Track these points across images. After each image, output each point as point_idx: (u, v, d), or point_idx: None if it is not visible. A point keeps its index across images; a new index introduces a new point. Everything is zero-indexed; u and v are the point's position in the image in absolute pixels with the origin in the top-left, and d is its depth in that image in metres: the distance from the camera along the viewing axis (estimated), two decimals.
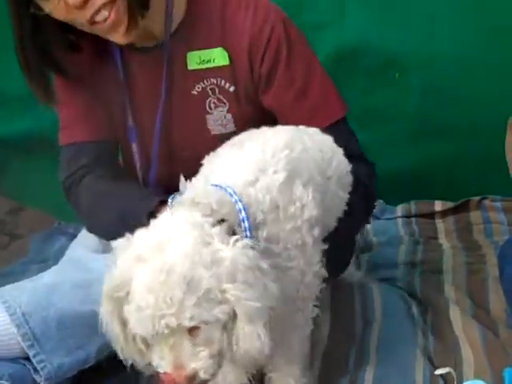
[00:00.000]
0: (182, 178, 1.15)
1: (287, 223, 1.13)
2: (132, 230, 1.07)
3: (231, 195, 1.09)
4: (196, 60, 1.43)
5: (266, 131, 1.26)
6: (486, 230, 1.86)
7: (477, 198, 1.97)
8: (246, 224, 1.08)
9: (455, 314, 1.42)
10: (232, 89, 1.43)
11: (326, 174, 1.23)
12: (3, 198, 2.25)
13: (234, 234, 1.06)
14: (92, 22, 1.29)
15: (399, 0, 1.98)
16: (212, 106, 1.45)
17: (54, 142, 2.19)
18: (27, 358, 1.20)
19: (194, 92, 1.45)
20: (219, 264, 1.00)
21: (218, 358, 1.03)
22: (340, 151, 1.30)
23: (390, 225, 1.95)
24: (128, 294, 1.01)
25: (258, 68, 1.42)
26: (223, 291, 1.00)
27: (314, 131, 1.30)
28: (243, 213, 1.08)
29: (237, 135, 1.31)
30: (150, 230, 1.04)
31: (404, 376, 1.24)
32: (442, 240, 1.85)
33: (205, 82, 1.44)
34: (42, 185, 2.27)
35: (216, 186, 1.11)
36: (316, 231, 1.17)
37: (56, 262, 1.69)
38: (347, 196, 1.31)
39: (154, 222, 1.05)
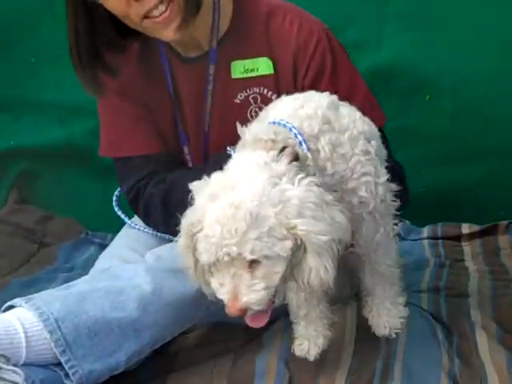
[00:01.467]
0: (238, 125, 1.22)
1: (343, 133, 1.19)
2: None
3: (285, 125, 1.16)
4: (240, 69, 1.48)
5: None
6: None
7: (505, 222, 1.96)
8: (304, 146, 1.15)
9: (481, 339, 1.41)
10: (274, 97, 1.47)
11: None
12: (33, 207, 2.29)
13: (297, 158, 1.13)
14: (146, 16, 1.35)
15: (434, 23, 2.00)
16: (253, 114, 1.50)
17: (84, 152, 2.24)
18: (58, 364, 1.22)
19: (237, 100, 1.50)
20: (286, 202, 1.06)
21: (280, 288, 1.10)
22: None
23: (416, 246, 1.94)
24: (200, 230, 1.09)
25: (302, 79, 1.47)
26: (292, 227, 1.05)
27: None
28: (299, 137, 1.15)
29: None
30: (224, 172, 1.12)
31: None
32: (469, 263, 1.84)
33: (248, 90, 1.49)
34: (70, 194, 2.32)
35: (269, 123, 1.18)
36: (373, 143, 1.22)
37: (83, 271, 1.72)
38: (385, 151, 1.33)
39: (227, 165, 1.13)
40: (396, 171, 1.38)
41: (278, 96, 1.45)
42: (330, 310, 1.33)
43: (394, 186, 1.25)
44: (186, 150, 1.56)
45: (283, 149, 1.13)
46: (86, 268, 1.79)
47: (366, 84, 1.54)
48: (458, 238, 1.97)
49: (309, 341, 1.31)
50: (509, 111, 1.99)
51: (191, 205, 1.13)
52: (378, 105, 1.53)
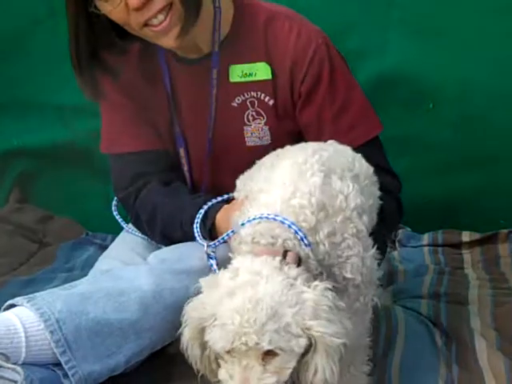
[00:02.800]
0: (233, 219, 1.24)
1: (337, 216, 1.18)
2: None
3: (282, 222, 1.15)
4: (238, 73, 1.48)
5: (290, 148, 1.32)
6: None
7: (505, 231, 1.96)
8: (305, 242, 1.15)
9: (480, 346, 1.41)
10: (271, 102, 1.48)
11: (353, 171, 1.27)
12: (33, 207, 2.29)
13: (300, 260, 1.15)
14: (146, 24, 1.35)
15: (438, 31, 1.99)
16: (250, 118, 1.50)
17: (85, 152, 2.24)
18: (57, 364, 1.21)
19: (234, 104, 1.50)
20: (303, 304, 1.08)
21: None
22: (359, 155, 1.34)
23: (416, 253, 1.95)
24: (213, 322, 1.09)
25: (299, 86, 1.46)
26: (308, 328, 1.08)
27: (331, 143, 1.35)
28: (299, 233, 1.15)
29: (271, 148, 1.38)
30: (233, 270, 1.13)
31: None
32: (468, 270, 1.84)
33: (245, 94, 1.49)
34: (72, 194, 2.31)
35: (266, 217, 1.17)
36: (365, 218, 1.22)
37: (82, 271, 1.72)
38: (378, 192, 1.35)
39: (235, 264, 1.14)
40: (387, 189, 1.41)
41: (275, 102, 1.48)
42: None
43: (379, 256, 1.25)
44: (181, 152, 1.55)
45: (285, 252, 1.14)
46: (85, 268, 1.79)
47: (364, 94, 1.54)
48: (458, 245, 1.98)
49: None
50: (509, 119, 1.99)
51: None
52: (374, 114, 1.53)
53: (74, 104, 2.18)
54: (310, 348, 1.10)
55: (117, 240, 1.67)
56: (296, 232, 1.15)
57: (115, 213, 1.64)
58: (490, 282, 1.74)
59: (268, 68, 1.47)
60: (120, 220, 1.62)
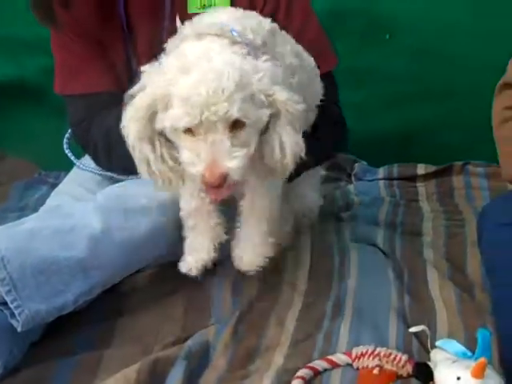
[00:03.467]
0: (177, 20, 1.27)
1: (286, 45, 1.25)
2: None
3: (230, 29, 1.16)
4: (196, 4, 1.45)
5: None
6: (467, 195, 1.87)
7: (460, 163, 1.97)
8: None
9: (432, 276, 1.43)
10: None
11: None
12: None
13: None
14: None
15: None
16: None
17: (38, 90, 2.17)
18: (4, 303, 1.19)
19: None
20: (261, 72, 1.09)
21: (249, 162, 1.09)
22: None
23: (371, 186, 1.95)
24: (168, 103, 1.07)
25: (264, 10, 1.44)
26: (271, 95, 1.08)
27: None
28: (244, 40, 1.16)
29: None
30: (179, 54, 1.11)
31: (378, 333, 1.25)
32: (423, 203, 1.85)
33: None
34: (24, 133, 2.26)
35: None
36: (296, 77, 1.25)
37: (35, 210, 1.68)
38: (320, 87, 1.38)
39: (178, 50, 1.12)
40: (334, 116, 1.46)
41: None
42: (223, 225, 1.30)
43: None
44: None
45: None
46: (37, 207, 1.74)
47: (321, 27, 1.51)
48: (413, 178, 1.98)
49: (192, 256, 1.30)
50: (466, 52, 1.97)
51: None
52: (330, 48, 1.52)
53: (26, 40, 2.11)
54: (269, 122, 1.11)
55: (68, 176, 1.63)
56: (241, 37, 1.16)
57: (67, 150, 1.59)
58: (443, 213, 1.76)
59: None
60: (71, 156, 1.58)
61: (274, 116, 1.11)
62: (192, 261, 1.31)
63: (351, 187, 1.93)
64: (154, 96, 1.08)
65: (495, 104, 1.49)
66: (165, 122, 1.09)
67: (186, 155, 1.08)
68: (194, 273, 1.31)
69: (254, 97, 1.07)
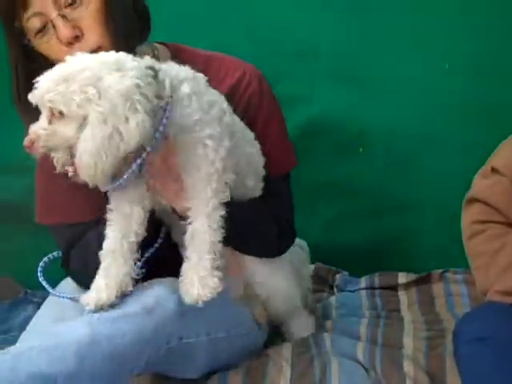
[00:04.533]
0: None
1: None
2: None
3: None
4: None
5: None
6: (447, 303, 1.88)
7: (438, 271, 1.99)
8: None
9: None
10: None
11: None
12: None
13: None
14: None
15: (363, 81, 2.07)
16: None
17: (21, 209, 2.21)
18: None
19: None
20: (102, 80, 1.22)
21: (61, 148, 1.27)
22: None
23: (353, 297, 1.96)
24: None
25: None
26: (85, 93, 1.21)
27: None
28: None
29: None
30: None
31: None
32: (404, 313, 1.86)
33: None
34: (7, 252, 2.27)
35: None
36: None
37: (20, 332, 1.69)
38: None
39: None
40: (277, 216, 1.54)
41: None
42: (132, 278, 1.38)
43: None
44: None
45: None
46: (22, 329, 1.75)
47: (285, 129, 1.64)
48: (395, 287, 2.00)
49: (95, 292, 1.36)
50: (437, 165, 2.05)
51: None
52: (291, 150, 1.64)
53: (4, 160, 2.18)
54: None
55: (46, 302, 1.65)
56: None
57: (41, 278, 1.59)
58: (424, 323, 1.76)
59: None
60: (45, 284, 1.59)
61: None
62: (94, 297, 1.34)
63: (333, 299, 1.95)
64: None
65: (463, 218, 1.54)
66: None
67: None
68: (91, 307, 1.34)
69: (73, 95, 1.22)
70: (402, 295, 1.96)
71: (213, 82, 1.46)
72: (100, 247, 1.39)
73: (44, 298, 2.03)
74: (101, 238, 1.41)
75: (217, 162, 1.32)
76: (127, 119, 1.21)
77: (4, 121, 2.10)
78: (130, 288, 1.36)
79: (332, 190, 2.06)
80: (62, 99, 1.22)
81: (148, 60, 1.31)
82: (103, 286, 1.35)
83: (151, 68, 1.28)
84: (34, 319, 1.61)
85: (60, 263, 1.59)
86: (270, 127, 1.58)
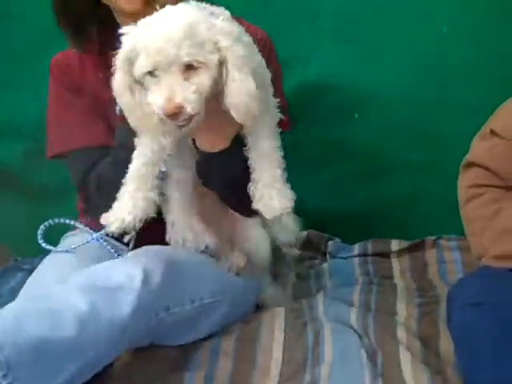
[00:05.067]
0: None
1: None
2: None
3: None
4: None
5: None
6: (440, 270, 1.87)
7: (432, 238, 1.98)
8: None
9: (405, 358, 1.41)
10: None
11: None
12: None
13: None
14: None
15: (359, 42, 2.02)
16: None
17: (12, 175, 2.19)
18: None
19: None
20: (214, 25, 1.28)
21: (205, 98, 1.28)
22: None
23: (346, 264, 1.95)
24: (136, 56, 1.28)
25: None
26: (217, 42, 1.26)
27: None
28: None
29: None
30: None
31: None
32: (397, 279, 1.86)
33: None
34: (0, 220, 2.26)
35: None
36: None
37: (10, 299, 1.67)
38: None
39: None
40: None
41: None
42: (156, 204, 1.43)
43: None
44: None
45: None
46: (13, 296, 1.72)
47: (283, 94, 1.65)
48: (387, 254, 1.99)
49: (117, 212, 1.41)
50: (436, 127, 2.02)
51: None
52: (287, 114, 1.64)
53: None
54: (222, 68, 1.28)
55: (42, 263, 1.65)
56: None
57: (41, 241, 1.62)
58: (417, 290, 1.76)
59: None
60: (46, 246, 1.61)
61: (224, 62, 1.28)
62: (119, 218, 1.39)
63: (325, 265, 1.94)
64: (126, 49, 1.29)
65: (460, 182, 1.52)
66: (134, 70, 1.29)
67: (149, 96, 1.27)
68: (113, 228, 1.39)
69: (203, 44, 1.25)
70: (395, 262, 1.96)
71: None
72: (115, 174, 1.44)
73: (33, 264, 2.04)
74: (116, 165, 1.48)
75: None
76: (253, 59, 1.31)
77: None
78: (153, 214, 1.42)
79: (326, 153, 2.04)
80: (197, 50, 1.25)
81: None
82: (130, 206, 1.39)
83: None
84: (34, 273, 1.62)
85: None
86: (274, 84, 1.56)
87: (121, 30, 1.31)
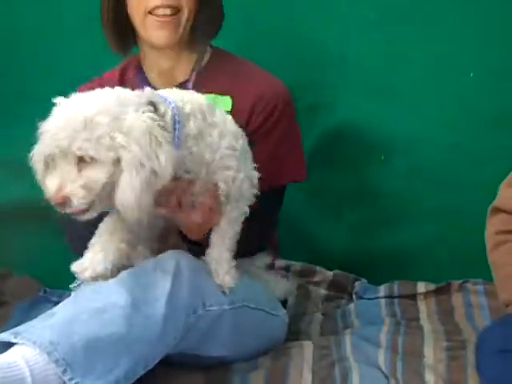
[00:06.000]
0: None
1: (214, 128, 1.40)
2: None
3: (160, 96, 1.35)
4: None
5: None
6: (467, 314, 1.88)
7: (458, 282, 1.99)
8: (173, 110, 1.33)
9: None
10: None
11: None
12: None
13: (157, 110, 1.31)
14: (152, 11, 1.58)
15: (385, 88, 2.06)
16: None
17: (42, 208, 2.22)
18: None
19: None
20: (120, 120, 1.24)
21: (97, 196, 1.27)
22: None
23: (372, 305, 1.96)
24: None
25: (253, 123, 1.63)
26: (112, 138, 1.23)
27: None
28: (172, 104, 1.34)
29: None
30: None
31: None
32: (424, 322, 1.86)
33: None
34: (29, 251, 2.29)
35: None
36: (240, 142, 1.45)
37: None
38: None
39: None
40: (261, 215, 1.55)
41: None
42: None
43: (255, 175, 1.47)
44: None
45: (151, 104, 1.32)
46: None
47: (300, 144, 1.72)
48: (413, 296, 1.99)
49: (91, 256, 1.42)
50: (461, 173, 2.05)
51: None
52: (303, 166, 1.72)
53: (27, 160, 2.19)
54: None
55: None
56: (169, 103, 1.33)
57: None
58: (444, 333, 1.75)
59: (229, 101, 1.62)
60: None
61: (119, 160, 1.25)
62: (88, 268, 1.40)
63: (352, 306, 1.95)
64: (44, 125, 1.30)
65: (487, 228, 1.54)
66: (33, 153, 1.32)
67: (47, 183, 1.29)
68: (85, 277, 1.40)
69: (102, 138, 1.23)
70: (421, 304, 1.96)
71: (243, 80, 1.62)
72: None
73: (61, 297, 2.07)
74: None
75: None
76: (157, 156, 1.25)
77: (27, 117, 2.14)
78: (123, 262, 1.43)
79: (354, 197, 2.07)
80: (91, 145, 1.23)
81: (147, 93, 1.35)
82: (101, 258, 1.40)
83: (151, 103, 1.33)
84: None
85: None
86: (283, 143, 1.66)
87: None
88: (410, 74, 2.04)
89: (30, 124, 2.11)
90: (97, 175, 1.25)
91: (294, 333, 1.77)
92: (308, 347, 1.64)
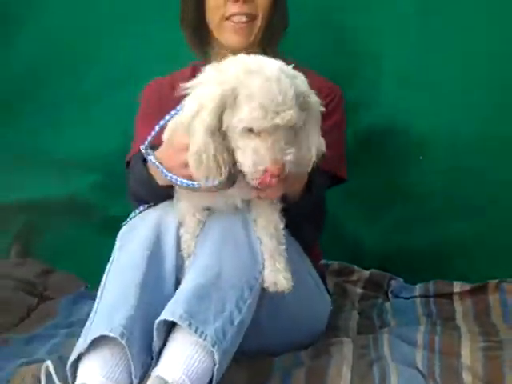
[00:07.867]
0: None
1: None
2: None
3: None
4: None
5: None
6: (503, 314, 1.89)
7: (495, 281, 1.99)
8: None
9: None
10: None
11: None
12: (34, 260, 2.31)
13: None
14: (230, 17, 1.68)
15: (426, 85, 2.07)
16: None
17: (86, 206, 2.28)
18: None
19: None
20: (297, 78, 1.30)
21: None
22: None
23: (408, 304, 1.98)
24: (234, 102, 1.26)
25: None
26: (306, 96, 1.29)
27: None
28: None
29: None
30: (233, 60, 1.34)
31: None
32: (460, 321, 1.88)
33: None
34: (71, 248, 2.35)
35: None
36: None
37: (83, 327, 1.74)
38: None
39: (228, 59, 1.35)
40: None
41: None
42: None
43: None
44: None
45: None
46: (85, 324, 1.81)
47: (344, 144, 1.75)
48: (449, 296, 2.01)
49: None
50: (501, 169, 2.05)
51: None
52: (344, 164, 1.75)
53: (74, 159, 2.25)
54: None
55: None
56: None
57: None
58: (481, 333, 1.77)
59: None
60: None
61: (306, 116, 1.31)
62: None
63: (388, 304, 1.97)
64: (224, 91, 1.26)
65: None
66: (234, 120, 1.27)
67: (247, 155, 1.27)
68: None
69: (297, 100, 1.27)
70: (457, 304, 1.98)
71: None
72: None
73: None
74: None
75: None
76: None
77: (74, 115, 2.19)
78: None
79: (392, 195, 2.08)
80: (296, 116, 1.27)
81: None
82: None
83: None
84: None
85: None
86: (331, 133, 1.64)
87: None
88: (451, 70, 2.04)
89: (79, 124, 2.20)
90: (292, 135, 1.30)
91: (333, 328, 1.81)
92: (348, 345, 1.66)
